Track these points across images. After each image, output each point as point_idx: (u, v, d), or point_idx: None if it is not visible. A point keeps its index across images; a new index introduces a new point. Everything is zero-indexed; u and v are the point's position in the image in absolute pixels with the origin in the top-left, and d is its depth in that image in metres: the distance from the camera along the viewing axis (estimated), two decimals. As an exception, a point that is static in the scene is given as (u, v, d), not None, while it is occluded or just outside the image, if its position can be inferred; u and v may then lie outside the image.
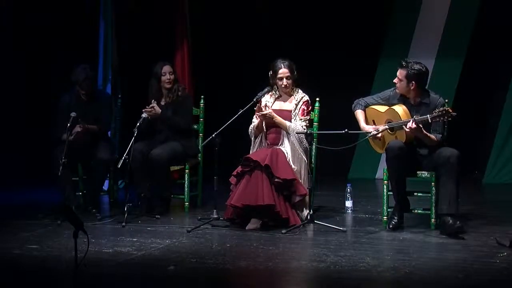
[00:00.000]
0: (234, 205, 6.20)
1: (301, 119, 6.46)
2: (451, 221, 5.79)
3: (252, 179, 6.17)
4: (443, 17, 9.20)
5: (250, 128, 6.58)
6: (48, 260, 5.29)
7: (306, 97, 6.53)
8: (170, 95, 7.12)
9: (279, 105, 6.59)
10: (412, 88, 6.04)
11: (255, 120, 6.51)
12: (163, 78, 7.09)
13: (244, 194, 6.16)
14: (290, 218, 6.19)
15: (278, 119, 6.42)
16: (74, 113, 6.74)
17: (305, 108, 6.50)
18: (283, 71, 6.48)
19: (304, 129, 6.40)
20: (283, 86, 6.50)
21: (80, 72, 6.93)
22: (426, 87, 6.18)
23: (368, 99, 6.36)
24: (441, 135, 5.96)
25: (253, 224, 6.19)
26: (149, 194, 6.91)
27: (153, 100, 6.99)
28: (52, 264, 5.21)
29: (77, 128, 6.76)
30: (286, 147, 6.40)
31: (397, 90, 6.14)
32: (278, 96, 6.61)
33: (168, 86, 7.10)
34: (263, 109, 6.39)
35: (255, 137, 6.58)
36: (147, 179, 6.88)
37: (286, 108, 6.54)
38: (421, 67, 6.03)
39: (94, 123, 6.99)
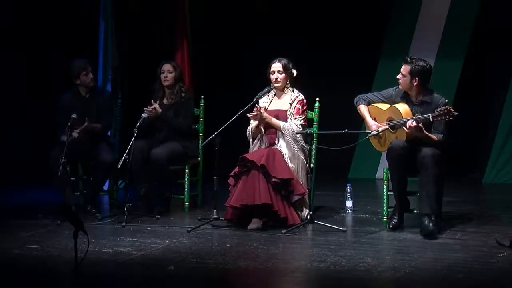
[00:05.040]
0: (232, 206, 6.21)
1: (295, 118, 6.47)
2: (426, 221, 5.80)
3: (249, 179, 6.18)
4: (443, 17, 9.19)
5: (247, 130, 6.58)
6: (48, 260, 5.28)
7: (301, 96, 6.54)
8: (172, 96, 7.11)
9: (275, 105, 6.59)
10: (415, 84, 6.04)
11: (253, 122, 6.52)
12: (161, 76, 7.10)
13: (241, 194, 6.17)
14: (289, 217, 6.19)
15: (271, 119, 6.43)
16: (75, 114, 6.73)
17: (300, 107, 6.50)
18: (275, 65, 6.54)
19: (299, 128, 6.41)
20: (273, 80, 6.53)
21: (79, 64, 6.92)
22: (429, 86, 6.18)
23: (370, 95, 6.36)
24: (442, 135, 5.96)
25: (254, 224, 6.18)
26: (149, 194, 6.90)
27: (152, 101, 6.97)
28: (52, 264, 5.21)
29: (75, 134, 6.72)
30: (282, 147, 6.40)
31: (400, 86, 6.14)
32: (274, 95, 6.61)
33: (165, 84, 7.10)
34: (258, 110, 6.39)
35: (253, 139, 6.58)
36: (147, 178, 6.88)
37: (283, 108, 6.54)
38: (425, 64, 6.04)
39: (96, 120, 6.97)
